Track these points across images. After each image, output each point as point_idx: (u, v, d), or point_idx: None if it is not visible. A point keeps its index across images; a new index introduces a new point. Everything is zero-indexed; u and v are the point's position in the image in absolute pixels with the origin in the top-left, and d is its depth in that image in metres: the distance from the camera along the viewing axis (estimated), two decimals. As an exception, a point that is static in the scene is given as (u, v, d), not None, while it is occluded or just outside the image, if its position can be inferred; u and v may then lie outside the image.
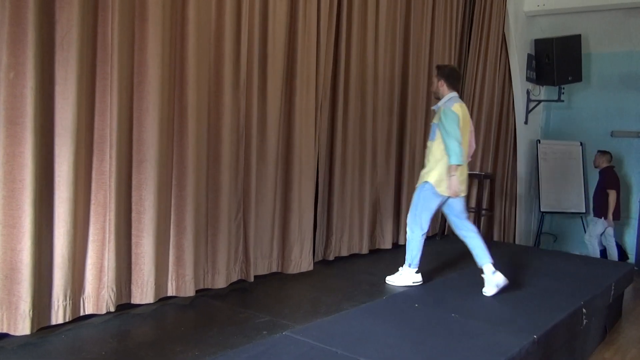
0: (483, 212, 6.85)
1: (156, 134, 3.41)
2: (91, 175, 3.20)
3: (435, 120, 4.06)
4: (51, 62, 2.93)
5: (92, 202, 3.21)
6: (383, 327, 3.15)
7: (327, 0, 4.65)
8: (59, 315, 3.03)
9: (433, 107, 4.18)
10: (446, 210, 4.13)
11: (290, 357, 2.64)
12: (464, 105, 4.07)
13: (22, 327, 2.83)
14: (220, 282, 3.94)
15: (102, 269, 3.24)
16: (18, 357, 2.75)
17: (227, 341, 3.02)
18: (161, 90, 3.42)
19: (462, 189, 3.99)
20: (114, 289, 3.27)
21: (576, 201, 7.83)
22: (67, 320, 3.06)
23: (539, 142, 7.95)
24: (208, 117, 3.82)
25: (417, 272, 4.17)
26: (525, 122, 7.88)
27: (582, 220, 7.76)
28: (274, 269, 4.45)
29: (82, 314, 3.18)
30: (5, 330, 2.83)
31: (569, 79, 7.60)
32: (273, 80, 4.26)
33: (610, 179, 6.89)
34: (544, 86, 8.16)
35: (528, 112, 7.93)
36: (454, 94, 4.06)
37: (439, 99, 4.11)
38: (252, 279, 4.17)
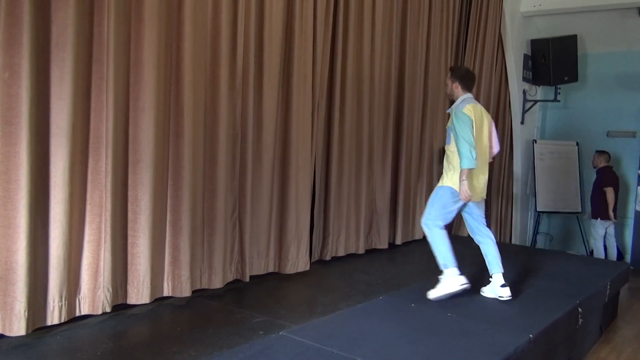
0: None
1: (152, 134, 3.40)
2: (87, 176, 3.19)
3: (449, 124, 3.91)
4: (47, 62, 2.93)
5: (88, 202, 3.20)
6: (379, 326, 3.15)
7: (324, -1, 4.66)
8: (54, 315, 3.02)
9: (447, 111, 4.07)
10: (465, 213, 4.00)
11: (286, 357, 2.64)
12: (478, 106, 3.91)
13: (18, 327, 2.83)
14: (217, 282, 3.94)
15: (97, 269, 3.24)
16: (13, 357, 2.74)
17: (223, 341, 3.02)
18: (157, 90, 3.42)
19: (477, 193, 3.84)
20: (110, 289, 3.26)
21: (572, 201, 7.85)
22: (62, 320, 3.06)
23: (535, 142, 7.97)
24: (204, 117, 3.82)
25: (459, 274, 3.72)
26: (522, 122, 7.89)
27: (578, 220, 7.78)
28: (271, 269, 4.45)
29: (77, 314, 3.18)
30: (0, 331, 2.82)
31: (565, 79, 7.62)
32: (269, 80, 4.26)
33: (607, 177, 6.90)
34: (540, 86, 8.17)
35: (524, 112, 7.94)
36: (468, 95, 3.91)
37: (453, 101, 3.97)
38: (247, 279, 4.17)
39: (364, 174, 5.35)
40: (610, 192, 6.77)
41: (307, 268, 4.64)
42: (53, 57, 2.94)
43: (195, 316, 3.51)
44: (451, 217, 3.89)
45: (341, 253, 5.16)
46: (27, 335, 2.87)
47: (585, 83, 8.05)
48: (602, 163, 6.99)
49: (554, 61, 7.48)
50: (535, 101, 8.10)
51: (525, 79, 7.84)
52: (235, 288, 4.09)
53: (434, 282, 4.27)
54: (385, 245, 5.66)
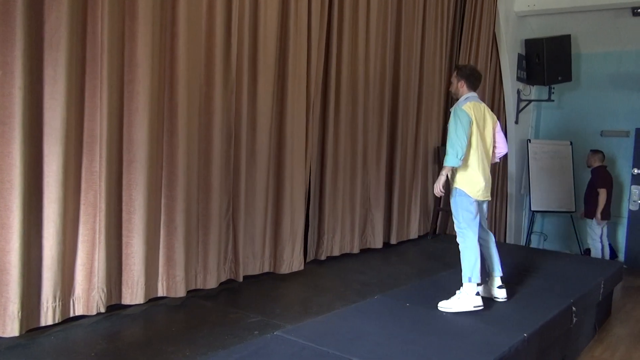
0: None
1: (146, 134, 3.39)
2: (81, 175, 3.18)
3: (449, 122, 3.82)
4: (40, 62, 2.91)
5: (82, 202, 3.19)
6: (374, 326, 3.15)
7: (318, -1, 4.65)
8: (48, 316, 3.01)
9: (451, 109, 4.04)
10: None
11: (281, 357, 2.64)
12: (481, 105, 3.85)
13: (11, 328, 2.81)
14: (211, 282, 3.93)
15: (92, 270, 3.22)
16: (6, 358, 2.72)
17: (218, 341, 3.01)
18: (151, 89, 3.41)
19: (481, 193, 3.75)
20: (104, 290, 3.25)
21: (566, 200, 7.88)
22: (56, 321, 3.05)
23: (530, 142, 7.99)
24: (198, 116, 3.81)
25: (477, 294, 3.54)
26: (516, 122, 7.92)
27: (572, 219, 7.81)
28: (266, 269, 4.44)
29: (72, 315, 3.16)
30: (-7, 332, 2.81)
31: (559, 78, 7.65)
32: (264, 80, 4.25)
33: (601, 178, 6.92)
34: (535, 86, 8.20)
35: (519, 111, 7.96)
36: (472, 94, 3.85)
37: (457, 99, 3.92)
38: (241, 279, 4.16)
39: (358, 174, 5.35)
40: (602, 194, 6.79)
41: (302, 268, 4.64)
42: (46, 56, 2.93)
43: (190, 316, 3.50)
44: (478, 220, 3.74)
45: (336, 253, 5.16)
46: (21, 336, 2.86)
47: (579, 83, 8.08)
48: (596, 162, 7.01)
49: (548, 61, 7.51)
50: (530, 101, 8.13)
51: (519, 79, 7.86)
52: (230, 288, 4.08)
53: (427, 282, 4.27)
54: (380, 245, 5.66)
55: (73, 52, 3.02)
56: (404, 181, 6.09)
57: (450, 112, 3.84)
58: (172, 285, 3.65)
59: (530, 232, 8.21)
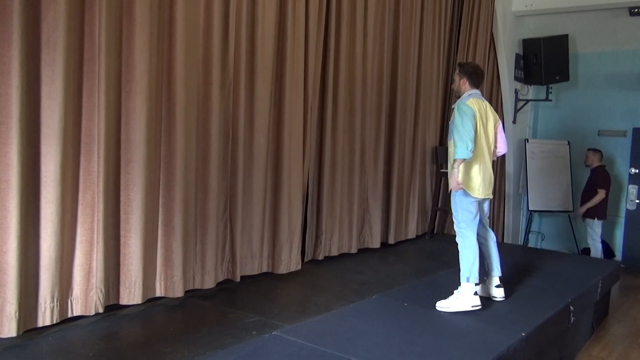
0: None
1: (144, 134, 3.39)
2: (79, 176, 3.18)
3: (452, 119, 3.80)
4: (37, 61, 2.91)
5: (80, 202, 3.18)
6: (373, 326, 3.15)
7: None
8: (46, 316, 3.00)
9: (453, 106, 4.02)
10: None
11: (279, 357, 2.63)
12: (484, 102, 3.83)
13: (8, 329, 2.81)
14: (209, 282, 3.92)
15: (90, 270, 3.22)
16: (4, 359, 2.71)
17: (216, 341, 3.01)
18: (149, 89, 3.40)
19: (483, 190, 3.75)
20: (102, 290, 3.25)
21: (564, 200, 7.89)
22: (54, 322, 3.04)
23: (527, 141, 8.00)
24: (196, 116, 3.81)
25: (475, 294, 3.55)
26: (514, 122, 7.92)
27: (570, 219, 7.82)
28: (264, 269, 4.44)
29: (70, 315, 3.16)
30: (-10, 333, 2.80)
31: (557, 78, 7.66)
32: (262, 80, 4.25)
33: (602, 178, 6.90)
34: (532, 85, 8.21)
35: (516, 111, 7.97)
36: (475, 91, 3.83)
37: (459, 97, 3.88)
38: (238, 279, 4.16)
39: (356, 174, 5.35)
40: (602, 194, 6.79)
41: (299, 267, 4.64)
42: (43, 56, 2.92)
43: (188, 316, 3.50)
44: (478, 220, 3.74)
45: (334, 252, 5.16)
46: (18, 336, 2.85)
47: (577, 82, 8.09)
48: (596, 162, 7.00)
49: (545, 61, 7.52)
50: (527, 100, 8.14)
51: (517, 79, 7.87)
52: (228, 288, 4.07)
53: (425, 281, 4.27)
54: (377, 245, 5.66)
55: (70, 51, 3.02)
56: (402, 181, 6.09)
57: (452, 110, 3.82)
58: (170, 285, 3.65)
59: (527, 232, 8.22)
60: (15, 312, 2.81)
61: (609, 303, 5.34)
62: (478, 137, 3.66)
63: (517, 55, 7.79)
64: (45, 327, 3.02)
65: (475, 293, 3.56)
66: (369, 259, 5.31)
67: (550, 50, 7.53)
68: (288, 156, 4.51)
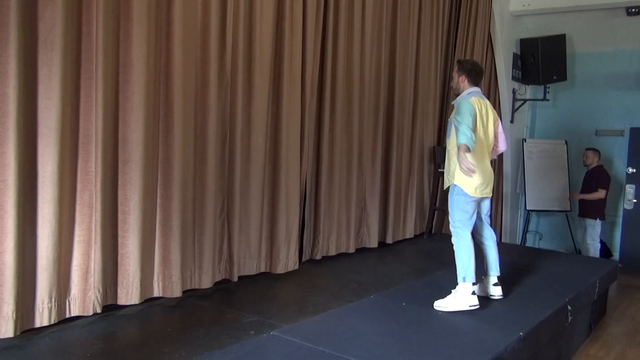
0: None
1: (142, 134, 3.38)
2: (76, 175, 3.17)
3: (451, 117, 3.77)
4: (34, 61, 2.90)
5: (78, 202, 3.18)
6: (371, 326, 3.15)
7: (314, -1, 4.65)
8: (43, 317, 2.99)
9: (452, 102, 4.00)
10: None
11: (277, 357, 2.63)
12: (484, 100, 3.81)
13: (5, 329, 2.80)
14: (206, 282, 3.92)
15: (88, 270, 3.21)
16: (1, 359, 2.71)
17: (214, 341, 3.01)
18: (147, 89, 3.40)
19: (483, 188, 3.74)
20: (100, 290, 3.24)
21: (561, 199, 7.90)
22: (52, 322, 3.03)
23: (525, 141, 8.02)
24: (194, 116, 3.80)
25: (473, 293, 3.54)
26: (511, 121, 7.93)
27: (567, 218, 7.83)
28: (262, 269, 4.43)
29: (67, 315, 3.15)
30: (-12, 333, 2.80)
31: (554, 78, 7.67)
32: (260, 80, 4.24)
33: (602, 178, 6.90)
34: (530, 85, 8.23)
35: (514, 111, 7.98)
36: (475, 89, 3.81)
37: (458, 94, 3.86)
38: (236, 279, 4.16)
39: (354, 173, 5.35)
40: (601, 194, 6.79)
41: (296, 267, 4.63)
42: (41, 55, 2.91)
43: (186, 316, 3.50)
44: (474, 220, 3.73)
45: (332, 252, 5.16)
46: (16, 337, 2.84)
47: (574, 82, 8.11)
48: (595, 162, 7.00)
49: (543, 60, 7.53)
50: (525, 100, 8.15)
51: (514, 78, 7.88)
52: (225, 288, 4.07)
53: (423, 281, 4.27)
54: (375, 244, 5.66)
55: (68, 51, 3.01)
56: (400, 181, 6.09)
57: (451, 107, 3.78)
58: (167, 285, 3.64)
59: (525, 232, 8.23)
60: (13, 313, 2.80)
61: (606, 302, 5.35)
62: (477, 135, 3.63)
63: (514, 55, 7.80)
64: (42, 328, 3.01)
65: (473, 293, 3.56)
66: (367, 259, 5.31)
67: (547, 50, 7.54)
68: (286, 156, 4.51)
